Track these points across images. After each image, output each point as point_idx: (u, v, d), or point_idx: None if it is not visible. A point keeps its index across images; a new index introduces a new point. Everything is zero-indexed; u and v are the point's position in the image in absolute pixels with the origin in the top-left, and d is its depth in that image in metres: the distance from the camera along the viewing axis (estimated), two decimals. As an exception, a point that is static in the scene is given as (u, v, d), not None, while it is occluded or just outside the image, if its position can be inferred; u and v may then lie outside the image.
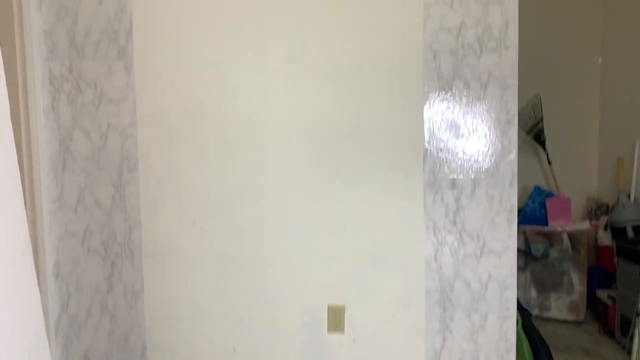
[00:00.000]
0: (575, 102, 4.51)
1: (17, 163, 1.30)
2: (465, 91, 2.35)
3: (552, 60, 4.44)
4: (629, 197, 3.97)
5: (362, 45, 2.34)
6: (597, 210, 4.41)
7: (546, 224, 4.13)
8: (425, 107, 2.35)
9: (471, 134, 2.36)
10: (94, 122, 2.38)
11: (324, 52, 2.34)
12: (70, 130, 2.39)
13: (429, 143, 2.37)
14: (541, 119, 4.35)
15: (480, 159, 2.36)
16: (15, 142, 1.30)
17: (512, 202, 2.39)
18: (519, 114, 2.45)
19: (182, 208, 2.40)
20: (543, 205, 4.21)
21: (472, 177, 2.37)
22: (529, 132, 4.39)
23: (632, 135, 4.00)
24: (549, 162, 4.43)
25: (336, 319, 2.43)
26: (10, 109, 1.28)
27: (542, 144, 4.41)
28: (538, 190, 4.31)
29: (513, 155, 2.37)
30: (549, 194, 4.29)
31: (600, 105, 4.51)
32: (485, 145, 2.36)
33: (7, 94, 1.24)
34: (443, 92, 2.35)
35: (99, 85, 2.37)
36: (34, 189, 2.30)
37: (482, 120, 2.36)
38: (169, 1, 2.33)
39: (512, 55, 2.34)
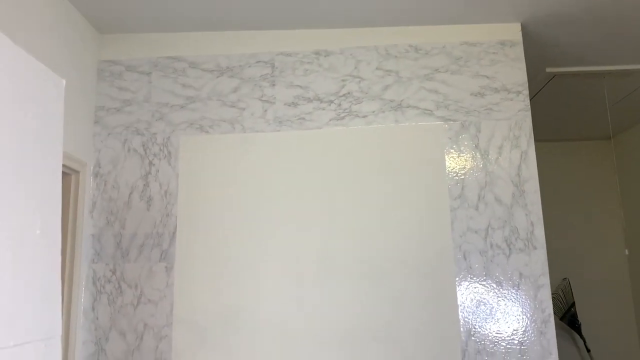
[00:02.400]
0: (606, 286, 4.46)
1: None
2: (498, 290, 2.37)
3: (578, 249, 4.49)
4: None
5: (391, 246, 2.43)
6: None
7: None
8: (459, 309, 2.36)
9: (509, 335, 2.33)
10: (131, 322, 2.42)
11: (354, 253, 2.43)
12: (107, 330, 2.41)
13: (466, 345, 2.32)
14: (573, 304, 4.27)
15: (520, 361, 2.30)
16: None
17: (558, 408, 2.26)
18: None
19: (212, 414, 2.31)
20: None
21: (514, 381, 2.28)
22: (562, 318, 4.29)
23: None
24: (588, 350, 4.24)
25: None
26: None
27: (578, 329, 4.27)
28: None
29: (554, 357, 2.30)
30: (593, 385, 4.04)
31: (631, 287, 4.45)
32: (524, 346, 2.31)
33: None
34: (476, 292, 2.37)
35: (140, 285, 2.45)
36: (64, 395, 2.26)
37: (517, 321, 2.34)
38: (212, 209, 2.50)
39: (541, 255, 2.40)
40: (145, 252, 2.48)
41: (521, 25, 2.65)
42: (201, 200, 2.51)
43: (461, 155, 2.52)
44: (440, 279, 2.39)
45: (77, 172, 2.43)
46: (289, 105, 2.59)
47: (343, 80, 2.61)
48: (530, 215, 2.45)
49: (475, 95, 2.58)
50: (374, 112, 2.58)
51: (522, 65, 2.61)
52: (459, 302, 2.37)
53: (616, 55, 3.02)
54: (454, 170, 2.50)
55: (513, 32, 2.64)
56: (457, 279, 2.39)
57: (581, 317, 4.31)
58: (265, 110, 2.59)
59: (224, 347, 2.37)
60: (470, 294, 2.38)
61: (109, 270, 2.47)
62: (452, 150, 2.52)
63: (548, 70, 3.10)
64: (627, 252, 3.74)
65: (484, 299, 2.37)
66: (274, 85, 2.62)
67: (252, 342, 2.37)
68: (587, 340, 4.28)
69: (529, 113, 2.55)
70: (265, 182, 2.51)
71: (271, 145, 2.55)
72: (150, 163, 2.56)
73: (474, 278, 2.39)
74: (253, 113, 2.59)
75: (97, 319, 2.43)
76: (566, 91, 3.47)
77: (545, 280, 2.38)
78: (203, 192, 2.52)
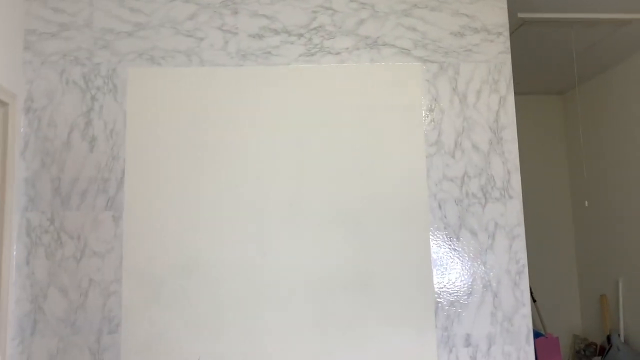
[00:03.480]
0: (552, 243, 4.55)
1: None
2: (472, 241, 2.27)
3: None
4: (619, 336, 3.86)
5: (366, 192, 2.26)
6: (586, 349, 4.28)
7: (539, 366, 3.93)
8: (433, 258, 2.25)
9: (483, 286, 2.25)
10: (74, 277, 2.14)
11: (328, 198, 2.25)
12: (44, 287, 2.13)
13: (439, 297, 2.22)
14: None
15: (493, 313, 2.23)
16: None
17: (529, 359, 2.22)
18: (527, 263, 2.37)
19: (168, 376, 2.11)
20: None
21: (487, 333, 2.21)
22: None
23: (614, 273, 4.00)
24: (534, 300, 4.33)
25: None
26: None
27: (525, 281, 4.33)
28: (526, 331, 4.15)
29: (527, 309, 2.25)
30: (537, 334, 4.15)
31: (575, 245, 4.57)
32: (497, 297, 2.24)
33: None
34: (450, 242, 2.26)
35: (83, 236, 2.16)
36: (-5, 359, 1.98)
37: (492, 272, 2.26)
38: (165, 151, 2.22)
39: (517, 205, 2.32)
40: (88, 199, 2.19)
41: (504, -39, 2.49)
42: (152, 141, 2.23)
43: (439, 98, 2.36)
44: (414, 227, 2.26)
45: (4, 104, 2.07)
46: (254, 37, 2.32)
47: (314, 12, 2.36)
48: (507, 163, 2.35)
49: (455, 35, 2.40)
50: (347, 49, 2.35)
51: (504, 4, 2.45)
52: (432, 252, 2.25)
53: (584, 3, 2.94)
54: (431, 114, 2.34)
55: (495, -32, 2.47)
56: (431, 228, 2.27)
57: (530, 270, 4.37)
58: (227, 42, 2.31)
59: (180, 302, 2.15)
60: (444, 244, 2.26)
61: (46, 219, 2.16)
62: (429, 94, 2.36)
63: (520, 15, 2.97)
64: (586, 203, 3.78)
65: (458, 249, 2.27)
66: (236, 13, 2.33)
67: (212, 295, 2.16)
68: (534, 292, 4.37)
69: (509, 56, 2.42)
70: (226, 122, 2.26)
71: (233, 81, 2.28)
72: (93, 98, 2.24)
73: (449, 228, 2.28)
74: (212, 44, 2.30)
75: (33, 274, 2.13)
76: (534, 40, 3.38)
77: (521, 231, 2.30)
78: (155, 132, 2.23)
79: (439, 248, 2.26)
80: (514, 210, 2.31)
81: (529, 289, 2.28)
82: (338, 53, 2.35)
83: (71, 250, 2.15)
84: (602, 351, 4.06)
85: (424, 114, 2.34)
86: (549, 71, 4.05)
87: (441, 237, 2.26)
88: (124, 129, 2.23)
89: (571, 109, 4.60)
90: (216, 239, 2.19)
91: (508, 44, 2.42)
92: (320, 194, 2.25)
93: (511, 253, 2.29)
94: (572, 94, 4.55)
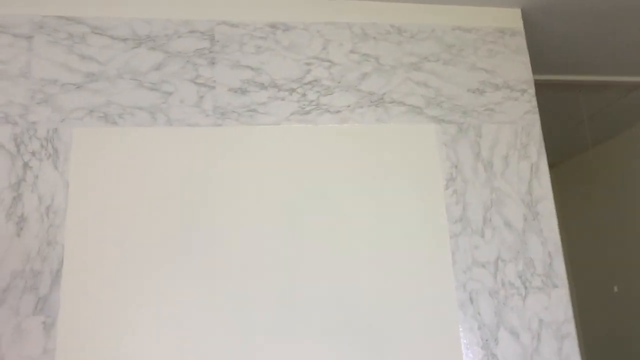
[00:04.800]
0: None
1: None
2: (514, 345, 1.79)
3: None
4: None
5: (377, 285, 1.77)
6: None
7: None
8: (469, 369, 1.74)
9: (533, 405, 1.74)
10: (-19, 413, 1.53)
11: (329, 295, 1.74)
12: None
13: (479, 421, 1.70)
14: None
15: None
16: None
17: None
18: None
19: None
20: None
21: None
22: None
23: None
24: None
25: None
26: None
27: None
28: None
29: None
30: None
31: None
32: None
33: None
34: (488, 348, 1.77)
35: (0, 352, 1.57)
36: None
37: (543, 385, 1.76)
38: (118, 235, 1.70)
39: (563, 295, 1.86)
40: (10, 300, 1.61)
41: (521, 12, 2.18)
42: (101, 221, 1.71)
43: (460, 166, 1.94)
44: (440, 329, 1.76)
45: None
46: (235, 92, 1.89)
47: (308, 64, 1.96)
48: (547, 243, 1.92)
49: (474, 92, 2.04)
50: (349, 106, 1.94)
51: (526, 58, 2.12)
52: (465, 362, 1.75)
53: (594, 65, 2.67)
54: (453, 185, 1.92)
55: (513, 18, 2.16)
56: (461, 329, 1.77)
57: None
58: (202, 97, 1.86)
59: None
60: (480, 351, 1.77)
61: (-53, 330, 1.57)
62: (448, 160, 1.94)
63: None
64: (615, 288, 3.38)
65: (498, 355, 1.77)
66: (213, 64, 1.90)
67: None
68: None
69: (537, 117, 2.05)
70: (199, 196, 1.77)
71: (209, 144, 1.82)
72: (26, 165, 1.72)
73: (484, 328, 1.79)
74: (183, 100, 1.85)
75: None
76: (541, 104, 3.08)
77: (571, 329, 1.84)
78: (105, 210, 1.72)
79: (475, 355, 1.75)
80: (560, 303, 1.86)
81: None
82: (338, 111, 1.93)
83: (-20, 374, 1.55)
84: None
85: (444, 185, 1.91)
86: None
87: (475, 341, 1.77)
88: (64, 205, 1.70)
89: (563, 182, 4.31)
90: (182, 351, 1.63)
91: (535, 102, 2.07)
92: (317, 288, 1.74)
93: (562, 358, 1.80)
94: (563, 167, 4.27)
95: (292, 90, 1.92)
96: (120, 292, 1.65)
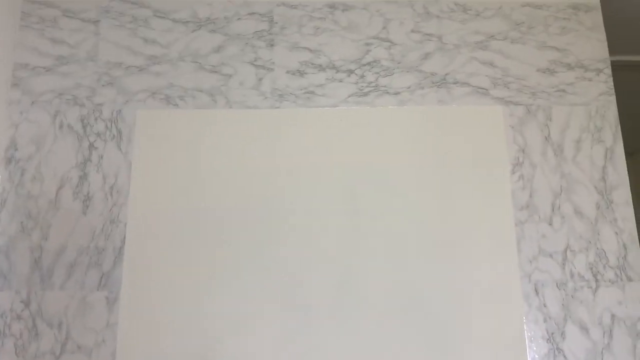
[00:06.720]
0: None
1: None
2: (583, 340, 1.68)
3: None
4: None
5: (437, 271, 1.71)
6: None
7: None
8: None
9: (603, 404, 1.63)
10: (49, 381, 1.60)
11: (388, 279, 1.70)
12: (10, 394, 1.59)
13: (543, 418, 1.61)
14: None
15: None
16: None
17: None
18: None
19: None
20: None
21: None
22: None
23: None
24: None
25: None
26: None
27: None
28: None
29: None
30: None
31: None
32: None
33: None
34: (553, 342, 1.67)
35: (66, 324, 1.64)
36: None
37: (614, 384, 1.65)
38: (179, 214, 1.73)
39: (638, 290, 1.73)
40: (76, 276, 1.68)
41: (598, -15, 2.03)
42: (163, 200, 1.74)
43: (528, 150, 1.84)
44: (502, 319, 1.68)
45: (-24, 152, 1.63)
46: (293, 74, 1.87)
47: (367, 44, 1.91)
48: (622, 234, 1.78)
49: (544, 72, 1.92)
50: (409, 88, 1.88)
51: (602, 36, 1.98)
52: (528, 357, 1.66)
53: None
54: (519, 170, 1.82)
55: (589, -7, 2.02)
56: (525, 320, 1.69)
57: None
58: (260, 79, 1.86)
59: (189, 421, 1.58)
60: (545, 345, 1.67)
61: (20, 301, 1.66)
62: (515, 144, 1.85)
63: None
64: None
65: (564, 349, 1.67)
66: (272, 45, 1.89)
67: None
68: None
69: (614, 99, 1.91)
70: (257, 178, 1.77)
71: (267, 126, 1.81)
72: (91, 146, 1.78)
73: (550, 321, 1.69)
74: (243, 82, 1.85)
75: (-4, 375, 1.61)
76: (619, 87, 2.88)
77: (647, 326, 1.71)
78: (166, 190, 1.75)
79: (540, 349, 1.66)
80: (636, 297, 1.73)
81: (666, 408, 1.66)
82: (397, 93, 1.87)
83: (49, 344, 1.62)
84: None
85: (510, 169, 1.82)
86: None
87: (540, 334, 1.68)
88: (127, 185, 1.75)
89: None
90: (241, 329, 1.64)
91: (611, 83, 1.93)
92: (378, 273, 1.71)
93: (636, 356, 1.68)
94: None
95: (351, 71, 1.88)
96: (179, 270, 1.68)
